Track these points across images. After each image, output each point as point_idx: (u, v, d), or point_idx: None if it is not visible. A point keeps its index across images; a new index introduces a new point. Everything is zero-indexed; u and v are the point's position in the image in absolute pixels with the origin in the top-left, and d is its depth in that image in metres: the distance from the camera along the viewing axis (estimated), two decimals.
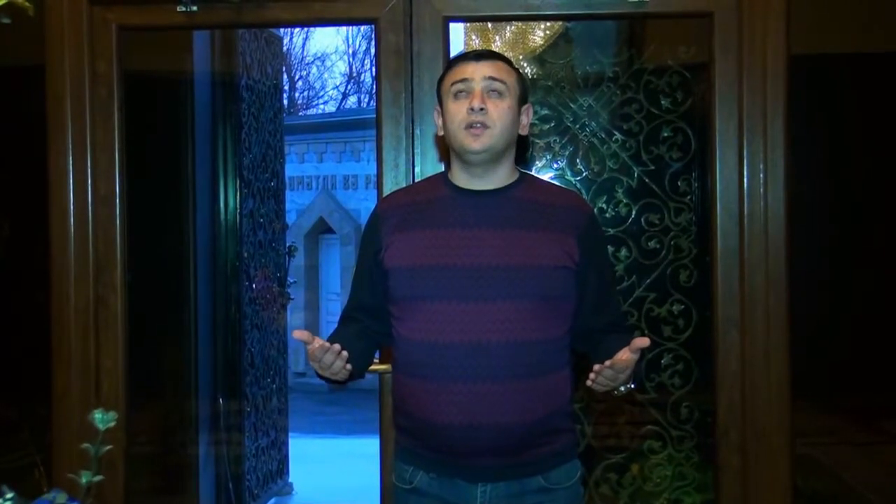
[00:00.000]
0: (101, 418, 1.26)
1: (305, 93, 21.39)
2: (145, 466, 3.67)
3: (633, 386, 2.06)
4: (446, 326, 2.02)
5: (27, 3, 1.29)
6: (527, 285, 2.03)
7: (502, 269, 2.03)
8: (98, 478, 1.22)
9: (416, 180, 2.82)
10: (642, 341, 1.92)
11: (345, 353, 1.97)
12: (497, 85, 2.10)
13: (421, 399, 2.05)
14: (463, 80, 2.11)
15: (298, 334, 1.97)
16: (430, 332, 2.03)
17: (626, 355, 1.91)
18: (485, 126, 2.06)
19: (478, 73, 2.10)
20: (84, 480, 1.21)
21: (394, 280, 2.10)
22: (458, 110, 2.09)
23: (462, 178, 2.15)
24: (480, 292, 2.02)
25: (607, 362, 1.91)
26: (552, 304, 2.06)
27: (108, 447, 1.25)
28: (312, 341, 1.95)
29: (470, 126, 2.06)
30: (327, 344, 1.96)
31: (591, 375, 1.94)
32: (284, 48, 17.96)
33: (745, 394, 2.84)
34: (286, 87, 18.70)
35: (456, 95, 2.11)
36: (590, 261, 2.11)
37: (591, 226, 2.17)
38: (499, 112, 2.08)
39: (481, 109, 2.06)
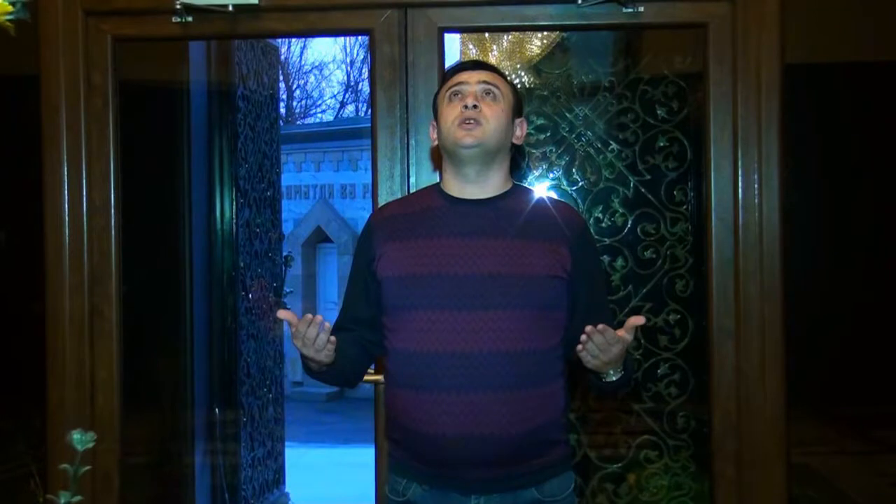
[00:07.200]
0: (80, 439, 1.25)
1: (303, 102, 21.42)
2: (141, 477, 3.66)
3: (623, 373, 2.05)
4: (438, 336, 2.01)
5: (9, 24, 1.29)
6: (519, 295, 2.03)
7: (494, 278, 2.03)
8: (77, 498, 1.21)
9: (412, 191, 2.82)
10: (637, 319, 1.93)
11: (328, 324, 1.96)
12: (491, 88, 2.13)
13: (413, 410, 2.04)
14: (458, 84, 2.14)
15: (283, 314, 1.97)
16: (422, 341, 2.03)
17: (620, 331, 1.92)
18: (477, 122, 2.08)
19: (473, 77, 2.15)
20: (62, 501, 1.19)
21: (387, 290, 2.10)
22: (453, 111, 2.12)
23: (455, 187, 2.15)
24: (472, 301, 2.02)
25: (599, 326, 1.90)
26: (544, 313, 2.06)
27: (87, 468, 1.23)
28: (296, 321, 1.95)
29: (463, 122, 2.08)
30: (309, 316, 1.94)
31: (583, 338, 1.91)
32: (282, 57, 18.05)
33: (740, 403, 2.84)
34: (283, 96, 18.75)
35: (451, 98, 2.14)
36: (582, 270, 2.12)
37: (583, 236, 2.17)
38: (492, 112, 2.10)
39: (475, 107, 2.08)
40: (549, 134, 3.18)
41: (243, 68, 4.97)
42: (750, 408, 2.83)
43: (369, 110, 3.10)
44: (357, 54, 20.48)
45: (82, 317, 2.94)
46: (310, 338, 1.96)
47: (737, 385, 2.85)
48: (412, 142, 2.89)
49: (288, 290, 6.17)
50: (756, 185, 2.82)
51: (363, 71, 20.00)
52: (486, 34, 3.47)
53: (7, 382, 3.18)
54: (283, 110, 18.47)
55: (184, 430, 4.28)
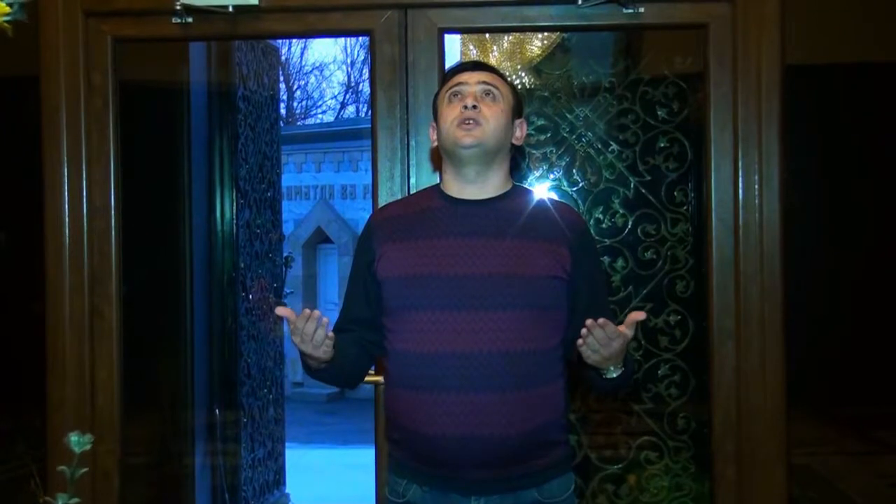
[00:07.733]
0: (77, 441, 1.25)
1: (303, 102, 21.44)
2: (141, 477, 3.66)
3: (623, 370, 2.04)
4: (438, 336, 2.01)
5: (7, 25, 1.29)
6: (519, 295, 2.03)
7: (495, 279, 2.03)
8: (75, 500, 1.21)
9: (412, 191, 2.82)
10: (638, 315, 1.93)
11: (325, 319, 1.95)
12: (491, 89, 2.14)
13: (413, 410, 2.04)
14: (458, 85, 2.15)
15: (281, 311, 1.97)
16: (422, 342, 2.03)
17: (620, 327, 1.92)
18: (477, 123, 2.08)
19: (473, 78, 2.15)
20: (60, 503, 1.19)
21: (387, 290, 2.10)
22: (452, 111, 2.12)
23: (455, 187, 2.15)
24: (473, 302, 2.02)
25: (600, 320, 1.89)
26: (545, 314, 2.06)
27: (85, 469, 1.23)
28: (294, 317, 1.94)
29: (463, 122, 2.08)
30: (307, 311, 1.93)
31: (583, 331, 1.90)
32: (283, 58, 18.06)
33: (740, 404, 2.84)
34: (284, 97, 18.75)
35: (450, 99, 2.15)
36: (582, 271, 2.12)
37: (583, 236, 2.17)
38: (492, 112, 2.11)
39: (474, 107, 2.09)
40: (549, 135, 3.18)
41: (244, 69, 4.97)
42: (750, 408, 2.83)
43: (369, 111, 3.10)
44: (357, 55, 20.53)
45: (82, 317, 2.94)
46: (308, 333, 1.95)
47: (737, 385, 2.85)
48: (412, 142, 2.89)
49: (288, 291, 6.17)
50: (756, 186, 2.82)
51: (363, 72, 20.02)
52: (487, 35, 3.47)
53: (7, 382, 3.18)
54: (283, 111, 18.49)
55: (184, 431, 4.27)
